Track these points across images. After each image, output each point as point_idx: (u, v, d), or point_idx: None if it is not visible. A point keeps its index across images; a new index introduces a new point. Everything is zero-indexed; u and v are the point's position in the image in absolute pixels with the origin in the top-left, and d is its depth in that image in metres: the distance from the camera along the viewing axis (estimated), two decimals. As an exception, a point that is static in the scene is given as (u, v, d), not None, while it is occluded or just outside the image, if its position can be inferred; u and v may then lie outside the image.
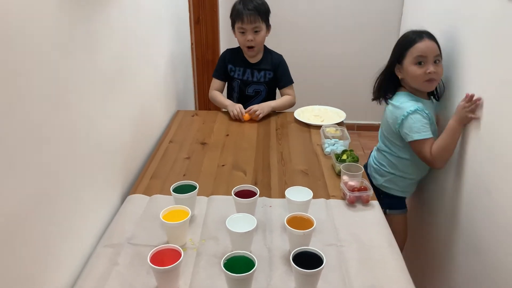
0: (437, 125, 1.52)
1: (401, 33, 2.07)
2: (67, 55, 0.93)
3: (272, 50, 2.02)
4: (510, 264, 1.08)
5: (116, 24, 1.23)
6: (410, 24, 1.96)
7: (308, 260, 0.90)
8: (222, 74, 2.01)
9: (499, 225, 1.14)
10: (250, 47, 1.89)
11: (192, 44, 2.54)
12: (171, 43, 1.97)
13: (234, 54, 2.00)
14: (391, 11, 3.16)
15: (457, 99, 1.41)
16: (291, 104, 1.99)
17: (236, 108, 1.85)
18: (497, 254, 1.15)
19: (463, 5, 1.41)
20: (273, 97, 2.06)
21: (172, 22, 1.99)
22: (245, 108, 1.89)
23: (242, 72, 1.97)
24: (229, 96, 2.07)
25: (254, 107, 1.86)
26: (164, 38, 1.86)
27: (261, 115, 1.85)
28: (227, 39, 2.85)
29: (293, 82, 2.01)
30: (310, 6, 3.20)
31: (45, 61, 0.84)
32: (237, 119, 1.85)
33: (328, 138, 1.58)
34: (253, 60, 1.97)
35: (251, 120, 1.85)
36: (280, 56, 2.01)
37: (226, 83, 2.05)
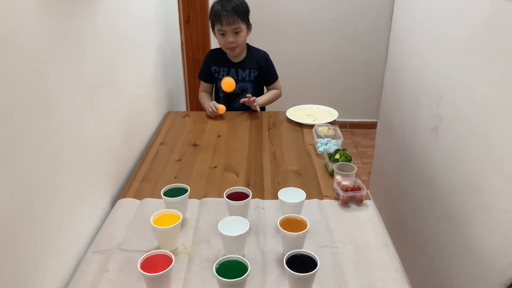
0: None
1: (392, 30, 2.07)
2: (53, 57, 0.91)
3: (255, 48, 1.99)
4: (504, 260, 1.07)
5: (103, 25, 1.20)
6: (401, 21, 1.95)
7: (302, 263, 0.88)
8: (207, 76, 2.00)
9: (492, 222, 1.13)
10: (231, 48, 1.87)
11: (182, 44, 2.51)
12: (161, 43, 1.95)
13: (217, 55, 1.98)
14: (382, 8, 3.15)
15: (455, 97, 1.40)
16: (278, 97, 2.02)
17: (210, 105, 1.86)
18: (490, 250, 1.14)
19: (453, 10, 1.40)
20: (260, 93, 2.04)
21: (161, 22, 1.97)
22: (230, 106, 1.96)
23: (226, 72, 1.95)
24: (216, 96, 2.06)
25: (251, 99, 1.86)
26: (154, 38, 1.83)
27: (255, 106, 1.88)
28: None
29: (278, 77, 2.02)
30: (301, 4, 3.19)
31: (30, 64, 0.82)
32: (215, 115, 1.86)
33: (321, 137, 1.57)
34: (236, 60, 1.95)
35: (243, 121, 1.83)
36: (265, 53, 1.99)
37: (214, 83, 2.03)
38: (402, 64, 1.93)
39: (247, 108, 1.94)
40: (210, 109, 1.86)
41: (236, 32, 1.83)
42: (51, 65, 0.90)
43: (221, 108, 1.87)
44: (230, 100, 2.00)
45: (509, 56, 1.07)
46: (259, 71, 1.96)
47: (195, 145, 1.62)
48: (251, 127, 1.77)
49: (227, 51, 1.90)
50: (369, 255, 1.03)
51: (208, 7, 2.78)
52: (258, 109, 1.91)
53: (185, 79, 2.63)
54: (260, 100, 1.94)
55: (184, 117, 1.92)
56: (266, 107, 2.06)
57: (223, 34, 1.83)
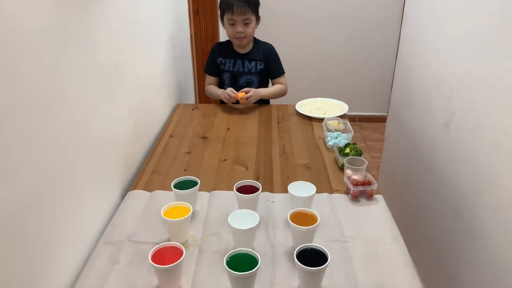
0: None
1: (404, 23, 2.04)
2: (63, 50, 0.91)
3: (262, 41, 1.98)
4: (517, 258, 1.06)
5: (113, 17, 1.20)
6: (412, 14, 1.93)
7: (312, 257, 0.88)
8: (213, 69, 1.99)
9: (504, 217, 1.12)
10: (239, 38, 1.86)
11: (191, 36, 2.50)
12: (171, 35, 1.94)
13: (223, 47, 1.97)
14: (393, 2, 3.12)
15: (467, 91, 1.38)
16: (283, 93, 1.98)
17: (227, 92, 1.83)
18: (501, 246, 1.13)
19: (465, 3, 1.38)
20: (265, 87, 2.02)
21: (170, 14, 1.96)
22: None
23: (232, 64, 1.94)
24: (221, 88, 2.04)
25: (250, 90, 1.83)
26: (163, 30, 1.83)
27: (252, 101, 1.84)
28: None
29: (284, 72, 1.99)
30: (311, -3, 3.16)
31: (40, 57, 0.82)
32: (234, 102, 1.84)
33: (331, 131, 1.56)
34: (243, 51, 1.94)
35: (252, 114, 1.83)
36: (271, 46, 1.98)
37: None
38: (413, 58, 1.90)
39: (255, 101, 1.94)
40: (227, 96, 1.82)
41: (246, 23, 1.82)
42: (62, 57, 0.90)
43: (240, 95, 1.80)
44: None
45: (525, 50, 1.05)
46: (265, 63, 1.94)
47: (204, 137, 1.62)
48: (260, 120, 1.77)
49: (234, 40, 1.89)
50: (379, 249, 1.02)
51: (217, -1, 2.77)
52: (246, 100, 1.83)
53: (194, 72, 2.63)
54: (263, 91, 1.92)
55: (193, 109, 1.91)
56: (275, 100, 2.05)
57: (233, 24, 1.83)
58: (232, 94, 1.81)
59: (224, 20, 1.86)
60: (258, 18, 1.89)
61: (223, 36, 2.81)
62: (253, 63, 1.94)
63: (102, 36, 1.12)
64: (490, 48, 1.23)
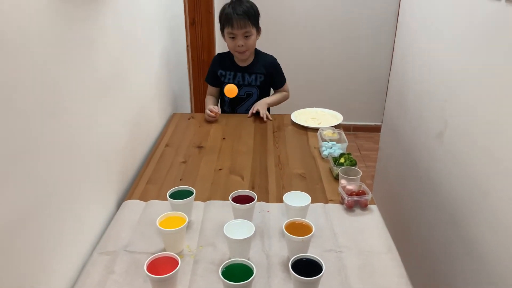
0: None
1: (398, 33, 2.07)
2: (62, 59, 0.92)
3: (263, 53, 2.00)
4: (510, 266, 1.07)
5: (111, 27, 1.21)
6: (407, 24, 1.96)
7: (307, 267, 0.89)
8: (213, 80, 2.00)
9: (498, 226, 1.13)
10: (241, 52, 1.87)
11: (187, 46, 2.52)
12: (167, 45, 1.96)
13: (224, 58, 1.98)
14: (387, 11, 3.16)
15: (460, 101, 1.40)
16: (286, 98, 2.03)
17: (206, 113, 1.86)
18: (496, 256, 1.14)
19: (459, 4, 1.40)
20: (265, 97, 2.04)
21: (167, 24, 1.98)
22: (235, 110, 1.99)
23: (232, 76, 1.96)
24: (221, 100, 2.06)
25: (260, 110, 1.87)
26: (160, 40, 1.84)
27: (259, 110, 1.88)
28: (222, 41, 2.83)
29: (286, 80, 2.03)
30: (306, 7, 3.19)
31: (39, 66, 0.82)
32: (211, 121, 1.85)
33: (326, 141, 1.57)
34: (243, 64, 1.95)
35: (248, 124, 1.84)
36: (273, 58, 1.99)
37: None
38: (407, 68, 1.93)
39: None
40: (207, 117, 1.86)
41: (246, 36, 1.83)
42: (60, 67, 0.91)
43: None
44: (235, 105, 2.01)
45: (515, 63, 1.07)
46: (266, 76, 1.96)
47: (200, 147, 1.62)
48: (256, 130, 1.78)
49: (236, 54, 1.90)
50: (374, 260, 1.03)
51: (213, 9, 2.79)
52: (267, 115, 1.88)
53: (190, 81, 2.64)
54: (268, 100, 1.95)
55: (189, 119, 1.92)
56: (271, 109, 2.07)
57: (233, 38, 1.84)
58: (211, 113, 1.83)
59: (224, 34, 1.88)
60: (258, 29, 1.90)
61: (219, 46, 2.83)
62: (253, 76, 1.95)
63: (100, 46, 1.13)
64: (483, 60, 1.25)
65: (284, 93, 2.03)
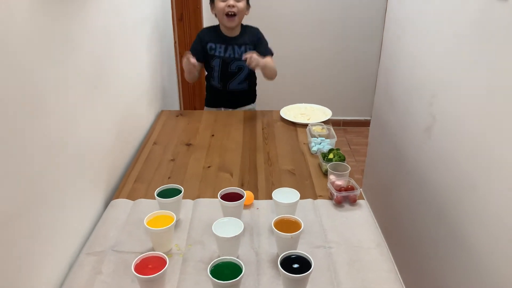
0: None
1: (386, 28, 2.08)
2: (45, 58, 0.90)
3: (248, 25, 1.97)
4: (497, 260, 1.08)
5: (95, 24, 1.19)
6: (394, 20, 1.96)
7: (296, 264, 0.89)
8: (199, 54, 1.92)
9: (485, 220, 1.14)
10: (231, 15, 1.83)
11: (175, 42, 2.50)
12: (154, 41, 1.93)
13: (212, 32, 1.95)
14: (375, 7, 3.16)
15: (447, 96, 1.41)
16: (276, 73, 1.93)
17: (186, 57, 1.76)
18: (483, 249, 1.15)
19: (444, 11, 1.41)
20: (255, 73, 2.02)
21: (154, 20, 1.95)
22: (226, 85, 1.93)
23: (223, 50, 1.92)
24: (209, 76, 2.01)
25: (255, 55, 1.75)
26: (146, 36, 1.82)
27: (252, 65, 1.76)
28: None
29: (273, 54, 1.95)
30: (294, 3, 3.18)
31: (21, 65, 0.81)
32: (193, 66, 1.77)
33: (315, 136, 1.57)
34: (231, 34, 1.92)
35: (237, 120, 1.83)
36: (257, 29, 1.97)
37: (204, 63, 1.98)
38: (394, 63, 1.93)
39: (243, 87, 1.95)
40: (185, 62, 1.77)
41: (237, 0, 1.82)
42: (42, 66, 0.89)
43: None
44: (226, 80, 1.97)
45: (501, 55, 1.08)
46: (255, 48, 1.91)
47: (188, 144, 1.61)
48: (245, 127, 1.77)
49: (224, 19, 1.85)
50: (363, 255, 1.03)
51: (201, 4, 2.77)
52: (250, 58, 1.75)
53: (178, 78, 2.62)
54: (267, 62, 1.84)
55: (177, 116, 1.91)
56: (259, 106, 2.06)
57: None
58: (188, 61, 1.75)
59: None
60: (248, 4, 1.89)
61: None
62: (242, 48, 1.91)
63: (84, 43, 1.11)
64: (469, 55, 1.26)
65: (275, 67, 1.93)
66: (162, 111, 1.97)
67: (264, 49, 1.93)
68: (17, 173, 0.80)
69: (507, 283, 1.04)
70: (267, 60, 1.86)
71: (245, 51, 1.89)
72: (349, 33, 3.27)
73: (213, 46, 1.93)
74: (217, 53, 1.92)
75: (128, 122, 1.51)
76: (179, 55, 2.69)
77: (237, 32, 1.93)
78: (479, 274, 1.17)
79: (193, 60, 1.76)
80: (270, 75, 1.92)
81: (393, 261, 1.03)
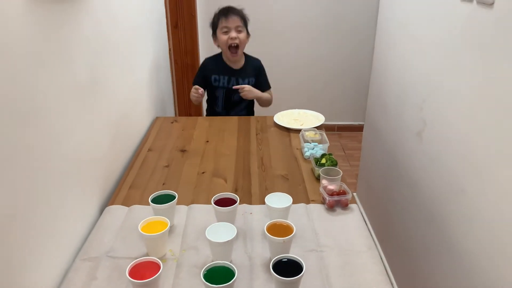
0: None
1: (377, 34, 2.11)
2: (40, 64, 0.91)
3: (251, 56, 2.06)
4: (485, 262, 1.10)
5: (90, 31, 1.21)
6: (386, 26, 1.99)
7: (288, 268, 0.90)
8: (203, 84, 2.02)
9: (474, 222, 1.16)
10: (234, 47, 1.91)
11: (170, 49, 2.52)
12: (149, 48, 1.95)
13: (216, 62, 2.01)
14: (368, 13, 3.20)
15: (438, 101, 1.43)
16: (269, 101, 2.08)
17: (192, 91, 1.94)
18: (472, 251, 1.17)
19: (436, 6, 1.44)
20: (254, 103, 2.11)
21: (149, 27, 1.97)
22: (229, 114, 1.99)
23: (226, 81, 1.99)
24: (213, 105, 2.08)
25: (246, 87, 1.94)
26: (141, 44, 1.84)
27: (246, 94, 1.95)
28: (206, 44, 2.84)
29: (270, 87, 2.09)
30: (288, 10, 3.22)
31: (17, 71, 0.82)
32: (199, 98, 1.95)
33: (308, 142, 1.59)
34: (236, 66, 1.99)
35: (231, 126, 1.85)
36: (259, 61, 2.07)
37: (206, 90, 2.06)
38: (386, 69, 1.96)
39: (245, 113, 2.05)
40: (192, 94, 1.93)
41: (239, 31, 1.90)
42: (38, 72, 0.91)
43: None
44: (230, 108, 2.05)
45: (488, 61, 1.11)
46: (255, 79, 2.02)
47: (183, 150, 1.63)
48: (239, 132, 1.79)
49: (228, 53, 1.93)
50: (355, 258, 1.05)
51: (196, 12, 2.79)
52: (242, 89, 1.95)
53: (173, 84, 2.64)
54: (259, 93, 2.01)
55: (172, 122, 1.92)
56: (256, 112, 2.10)
57: (226, 32, 1.89)
58: (198, 91, 1.90)
59: (217, 32, 1.92)
60: (248, 32, 1.97)
61: (202, 49, 2.83)
62: (246, 80, 2.00)
63: (79, 50, 1.13)
64: (458, 61, 1.29)
65: (270, 97, 2.08)
66: (157, 117, 1.98)
67: (263, 81, 2.05)
68: (11, 180, 0.81)
69: (495, 284, 1.06)
70: (259, 94, 2.00)
71: (248, 84, 2.00)
72: (342, 39, 3.31)
73: (217, 78, 2.00)
74: (221, 84, 2.00)
75: (122, 129, 1.53)
76: (174, 62, 2.71)
77: (241, 64, 2.00)
78: (468, 276, 1.19)
79: (201, 90, 1.91)
80: (264, 104, 2.07)
81: (385, 264, 1.05)
